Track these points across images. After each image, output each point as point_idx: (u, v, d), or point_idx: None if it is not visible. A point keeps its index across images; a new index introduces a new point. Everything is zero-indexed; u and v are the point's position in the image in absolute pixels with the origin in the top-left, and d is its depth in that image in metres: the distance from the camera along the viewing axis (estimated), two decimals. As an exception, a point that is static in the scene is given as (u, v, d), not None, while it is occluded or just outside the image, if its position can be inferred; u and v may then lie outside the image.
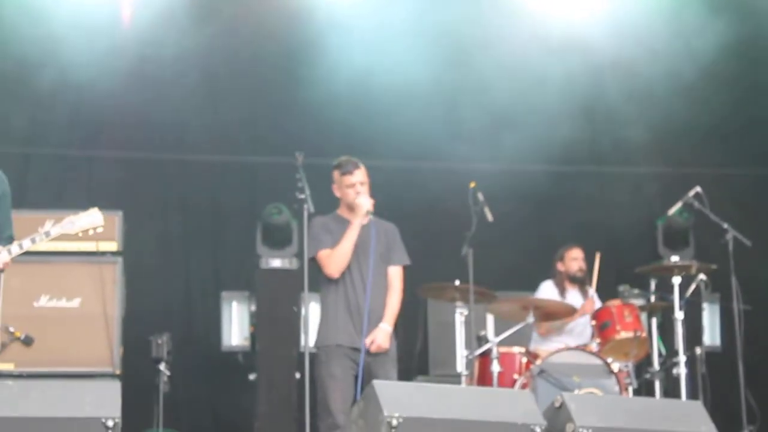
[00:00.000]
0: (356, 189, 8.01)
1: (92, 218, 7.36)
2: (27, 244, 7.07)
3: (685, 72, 10.99)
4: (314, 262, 8.04)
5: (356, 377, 7.85)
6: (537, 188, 11.43)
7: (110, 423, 6.37)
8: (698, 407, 7.31)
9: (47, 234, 7.14)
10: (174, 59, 10.72)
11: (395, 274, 8.17)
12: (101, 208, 9.66)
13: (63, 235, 7.27)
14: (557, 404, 6.84)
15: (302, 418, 7.82)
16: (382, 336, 7.95)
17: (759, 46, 11.11)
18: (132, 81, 10.73)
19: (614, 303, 9.71)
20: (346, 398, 7.77)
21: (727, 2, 11.08)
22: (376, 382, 6.59)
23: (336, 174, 8.14)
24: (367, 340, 7.89)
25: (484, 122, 11.17)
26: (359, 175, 8.05)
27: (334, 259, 7.94)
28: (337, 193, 8.18)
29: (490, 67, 11.03)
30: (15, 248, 7.05)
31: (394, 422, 6.13)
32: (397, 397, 6.38)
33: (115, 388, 6.77)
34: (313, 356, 7.89)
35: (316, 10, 10.84)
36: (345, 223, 8.09)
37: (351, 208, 8.06)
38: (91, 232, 7.38)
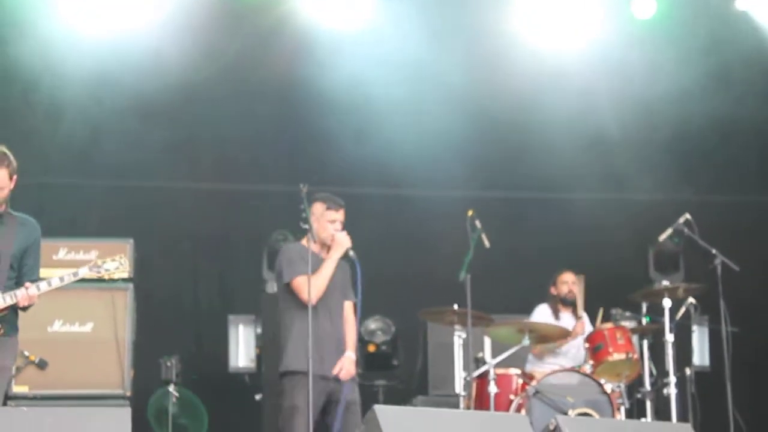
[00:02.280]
0: (336, 226, 8.01)
1: (118, 264, 7.44)
2: (56, 283, 7.14)
3: (675, 105, 11.09)
4: (287, 289, 7.97)
5: (325, 403, 7.83)
6: (532, 215, 11.53)
7: (121, 448, 6.44)
8: (687, 430, 7.30)
9: (75, 275, 7.20)
10: (183, 94, 10.82)
11: (351, 309, 8.17)
12: (113, 235, 9.89)
13: (85, 278, 7.33)
14: (551, 427, 6.85)
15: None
16: (349, 364, 7.94)
17: (740, 78, 11.14)
18: (146, 114, 10.75)
19: (607, 326, 9.72)
20: (307, 428, 7.68)
21: (711, 36, 11.17)
22: (377, 407, 6.56)
23: (319, 206, 8.09)
24: (336, 368, 7.86)
25: (481, 153, 11.29)
26: (342, 215, 8.05)
27: (315, 287, 7.80)
28: (314, 224, 8.07)
29: (484, 101, 11.15)
30: (44, 285, 7.10)
31: None
32: (397, 422, 6.38)
33: (125, 415, 6.78)
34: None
35: (317, 45, 10.89)
36: (314, 257, 8.06)
37: (323, 242, 8.05)
38: (116, 278, 7.49)
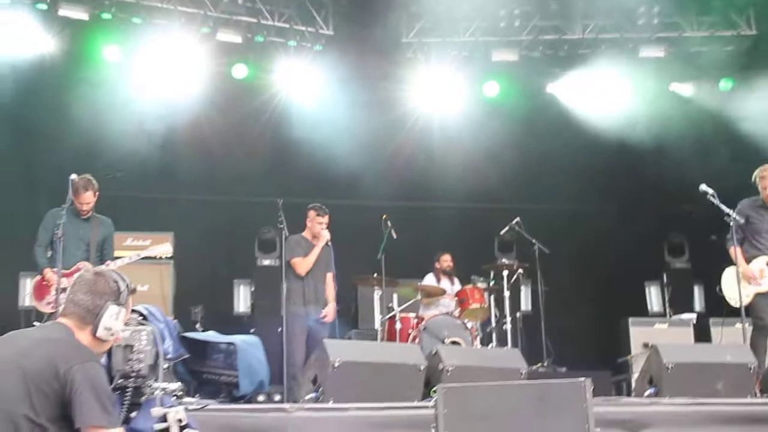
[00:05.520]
0: (322, 226, 8.19)
1: (165, 248, 7.66)
2: (126, 261, 7.29)
3: (507, 151, 11.26)
4: (288, 264, 8.12)
5: (306, 336, 8.00)
6: (425, 216, 11.54)
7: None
8: (517, 352, 7.39)
9: (138, 255, 7.40)
10: (206, 139, 10.76)
11: (331, 277, 8.36)
12: (160, 230, 9.81)
13: (145, 256, 7.51)
14: (434, 352, 6.90)
15: (282, 356, 7.78)
16: (331, 311, 8.20)
17: (547, 132, 11.27)
18: (180, 150, 10.74)
19: (468, 287, 9.80)
20: (301, 347, 7.91)
21: (531, 107, 11.33)
22: (326, 341, 6.63)
23: (312, 212, 8.31)
24: (323, 314, 8.10)
25: (392, 176, 11.31)
26: (326, 219, 8.26)
27: (304, 266, 8.11)
28: (308, 224, 8.31)
29: (393, 142, 11.30)
30: (118, 262, 7.24)
31: (336, 363, 6.17)
32: (338, 348, 6.42)
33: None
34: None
35: (291, 111, 11.01)
36: (308, 243, 8.22)
37: (315, 235, 8.21)
38: (163, 257, 7.57)
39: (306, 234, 8.35)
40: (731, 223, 7.51)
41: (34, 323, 6.96)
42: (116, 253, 7.66)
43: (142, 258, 7.58)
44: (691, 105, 11.35)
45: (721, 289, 7.72)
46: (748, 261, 7.63)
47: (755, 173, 7.76)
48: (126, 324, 3.83)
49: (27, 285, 8.96)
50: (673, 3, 10.75)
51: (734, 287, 7.53)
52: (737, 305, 7.45)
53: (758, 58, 10.74)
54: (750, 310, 7.51)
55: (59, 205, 7.06)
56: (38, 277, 7.34)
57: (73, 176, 7.02)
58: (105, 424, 3.24)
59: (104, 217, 7.61)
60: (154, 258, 8.49)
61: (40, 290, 7.33)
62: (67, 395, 3.24)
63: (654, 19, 10.92)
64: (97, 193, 7.42)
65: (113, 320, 3.52)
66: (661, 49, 11.06)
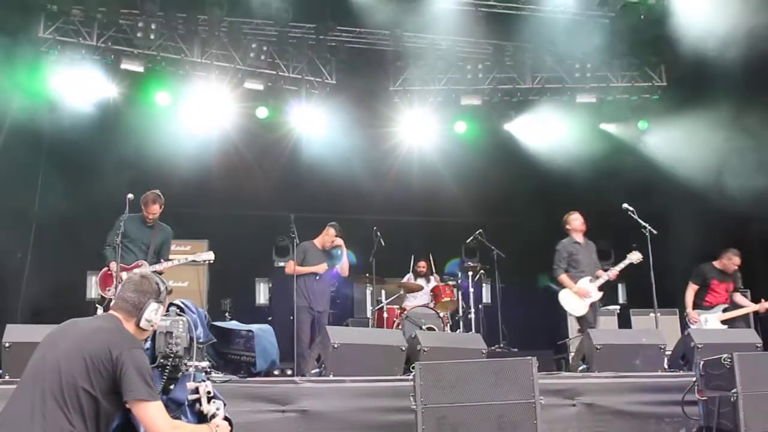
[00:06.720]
0: (333, 243, 8.15)
1: (209, 255, 7.46)
2: (175, 263, 7.20)
3: (472, 174, 11.12)
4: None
5: (311, 323, 7.95)
6: (405, 229, 11.32)
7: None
8: (479, 336, 7.33)
9: (186, 259, 7.26)
10: (234, 168, 10.69)
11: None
12: (198, 238, 9.67)
13: (193, 260, 7.37)
14: (413, 335, 6.86)
15: (293, 339, 7.68)
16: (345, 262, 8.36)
17: (507, 161, 11.23)
18: (212, 177, 10.66)
19: (441, 284, 9.77)
20: (307, 332, 7.86)
21: (493, 142, 11.27)
22: (328, 327, 6.59)
23: (332, 230, 8.25)
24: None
25: (382, 193, 11.21)
26: (340, 240, 8.19)
27: (291, 271, 7.89)
28: (324, 235, 8.23)
29: (383, 166, 11.21)
30: (168, 263, 7.16)
31: (336, 345, 6.14)
32: (337, 333, 6.40)
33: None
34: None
35: (300, 140, 10.94)
36: (315, 248, 8.11)
37: (323, 246, 8.17)
38: (207, 262, 7.43)
39: (317, 242, 8.27)
40: (647, 234, 7.61)
41: (98, 306, 7.02)
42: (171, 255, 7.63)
43: (190, 261, 7.53)
44: (615, 141, 11.42)
45: (563, 307, 8.13)
46: (575, 282, 8.06)
47: (564, 218, 8.31)
48: (167, 315, 3.85)
49: (92, 281, 8.93)
50: (602, 60, 10.86)
51: (573, 303, 8.04)
52: (578, 315, 8.01)
53: (668, 104, 10.88)
54: (582, 319, 8.00)
55: (122, 213, 7.04)
56: (104, 269, 7.24)
57: (130, 195, 6.96)
58: (148, 397, 3.33)
59: (164, 224, 7.54)
60: (197, 261, 8.45)
61: (104, 280, 7.29)
62: (118, 375, 3.33)
63: (587, 73, 11.04)
64: (162, 206, 7.41)
65: (153, 314, 3.57)
66: (593, 96, 11.19)
